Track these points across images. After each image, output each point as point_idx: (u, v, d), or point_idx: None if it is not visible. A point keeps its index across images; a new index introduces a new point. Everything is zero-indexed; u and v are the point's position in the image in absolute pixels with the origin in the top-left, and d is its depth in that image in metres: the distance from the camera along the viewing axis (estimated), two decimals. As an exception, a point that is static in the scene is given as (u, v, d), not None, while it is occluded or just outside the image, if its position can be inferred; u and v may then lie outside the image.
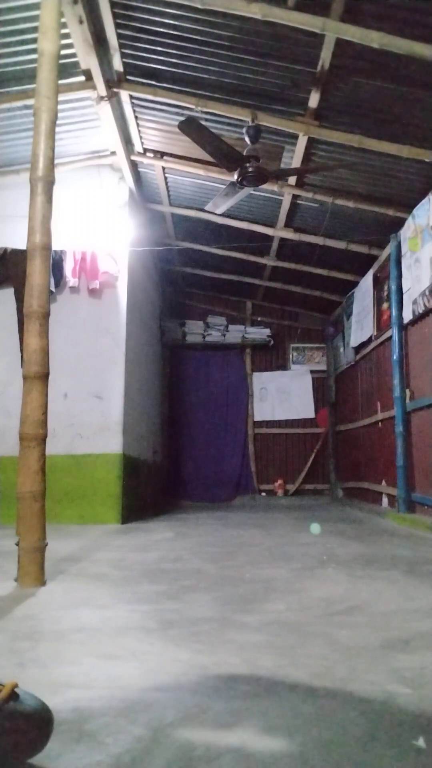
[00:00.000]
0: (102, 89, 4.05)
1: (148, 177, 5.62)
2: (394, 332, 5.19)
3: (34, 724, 0.92)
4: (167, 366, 8.29)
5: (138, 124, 4.75)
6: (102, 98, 4.12)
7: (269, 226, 6.00)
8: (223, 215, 5.50)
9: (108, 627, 1.69)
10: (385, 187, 4.88)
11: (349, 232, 5.77)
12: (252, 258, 6.82)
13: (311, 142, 4.42)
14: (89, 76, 3.97)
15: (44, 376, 2.44)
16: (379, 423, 5.93)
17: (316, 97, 3.88)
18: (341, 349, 7.56)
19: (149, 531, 4.34)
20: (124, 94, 4.30)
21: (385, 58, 3.41)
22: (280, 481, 8.18)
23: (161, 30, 3.63)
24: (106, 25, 3.64)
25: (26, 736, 0.91)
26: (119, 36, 3.75)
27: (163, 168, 5.30)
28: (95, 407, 5.02)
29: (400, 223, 5.09)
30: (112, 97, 4.17)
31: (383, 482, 5.76)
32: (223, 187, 4.57)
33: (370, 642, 1.53)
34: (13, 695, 0.93)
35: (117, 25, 3.66)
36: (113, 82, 4.13)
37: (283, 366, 8.59)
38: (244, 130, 4.12)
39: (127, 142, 4.96)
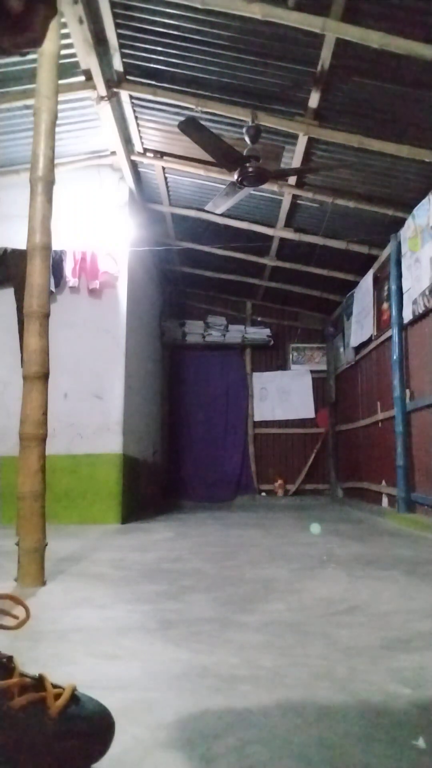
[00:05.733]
0: (102, 89, 4.05)
1: (148, 177, 5.62)
2: (394, 332, 5.19)
3: (96, 729, 0.88)
4: (167, 366, 8.28)
5: (138, 124, 4.75)
6: (102, 98, 4.12)
7: (269, 226, 5.99)
8: (223, 215, 5.50)
9: (108, 627, 1.69)
10: (385, 187, 4.88)
11: (349, 232, 5.76)
12: (252, 258, 6.82)
13: (311, 142, 4.42)
14: (89, 76, 3.97)
15: (44, 376, 2.44)
16: (379, 423, 5.93)
17: (316, 97, 3.88)
18: (341, 349, 7.56)
19: (149, 531, 4.34)
20: (124, 94, 4.31)
21: (385, 58, 3.41)
22: (280, 481, 8.18)
23: (161, 30, 3.63)
24: (106, 25, 3.64)
25: (89, 741, 0.87)
26: (119, 36, 3.75)
27: (163, 168, 5.30)
28: (95, 407, 5.01)
29: (400, 223, 5.09)
30: (112, 97, 4.17)
31: (383, 482, 5.76)
32: (223, 187, 4.57)
33: (370, 642, 1.53)
34: (74, 698, 0.89)
35: (117, 25, 3.66)
36: (113, 82, 4.13)
37: (283, 366, 8.59)
38: (244, 130, 4.12)
39: (127, 142, 4.96)
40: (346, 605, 1.94)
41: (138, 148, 5.09)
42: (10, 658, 0.90)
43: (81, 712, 0.87)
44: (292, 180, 5.01)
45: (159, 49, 3.82)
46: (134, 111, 4.56)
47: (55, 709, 0.85)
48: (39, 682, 0.89)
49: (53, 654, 1.45)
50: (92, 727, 0.87)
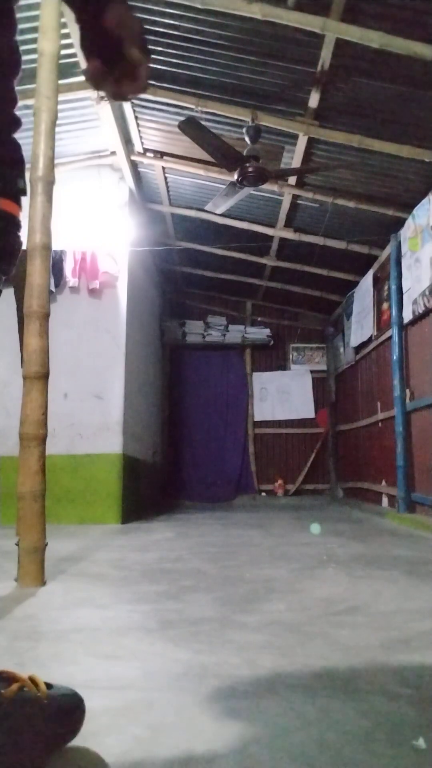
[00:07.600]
0: (102, 89, 4.04)
1: (148, 177, 5.62)
2: (394, 332, 5.19)
3: (76, 705, 0.97)
4: (167, 366, 8.28)
5: (138, 124, 4.75)
6: (102, 98, 4.12)
7: (269, 226, 5.99)
8: (223, 215, 5.50)
9: (108, 627, 1.69)
10: (385, 187, 4.88)
11: (349, 232, 5.76)
12: (252, 258, 6.81)
13: (311, 142, 4.42)
14: (89, 76, 3.97)
15: (44, 376, 2.44)
16: (379, 423, 5.93)
17: (316, 97, 3.88)
18: (341, 349, 7.56)
19: (149, 531, 4.34)
20: (124, 94, 4.30)
21: (385, 58, 3.41)
22: (280, 481, 8.18)
23: (161, 30, 3.63)
24: (106, 25, 3.63)
25: (74, 716, 0.96)
26: (119, 36, 3.74)
27: (163, 168, 5.30)
28: (95, 407, 5.01)
29: (400, 223, 5.09)
30: (112, 97, 4.17)
31: (383, 482, 5.76)
32: (223, 187, 4.57)
33: (370, 642, 1.53)
34: (48, 686, 0.96)
35: (117, 25, 3.65)
36: (113, 82, 4.12)
37: (283, 366, 8.59)
38: (244, 130, 4.12)
39: (127, 142, 4.96)
40: (346, 605, 1.94)
41: (138, 148, 5.09)
42: None
43: (60, 692, 0.96)
44: (292, 180, 5.01)
45: (159, 49, 3.82)
46: (134, 111, 4.56)
47: (44, 693, 0.92)
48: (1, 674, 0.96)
49: (53, 654, 1.45)
50: (73, 704, 0.96)
